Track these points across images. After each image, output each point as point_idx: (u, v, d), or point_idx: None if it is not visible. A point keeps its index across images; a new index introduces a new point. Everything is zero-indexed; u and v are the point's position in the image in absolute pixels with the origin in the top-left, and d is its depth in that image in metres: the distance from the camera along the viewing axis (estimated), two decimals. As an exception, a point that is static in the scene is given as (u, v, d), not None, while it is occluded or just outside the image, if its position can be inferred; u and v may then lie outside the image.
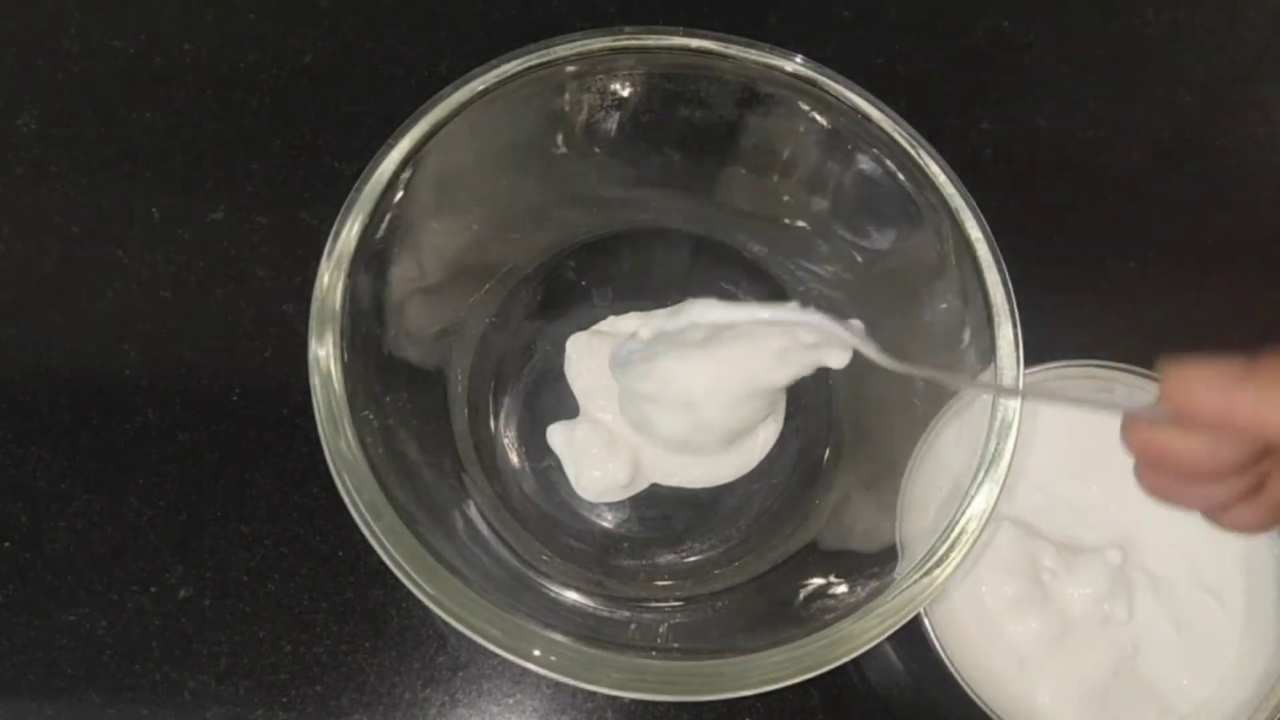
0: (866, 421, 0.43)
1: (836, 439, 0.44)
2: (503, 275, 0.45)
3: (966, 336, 0.36)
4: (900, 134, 0.37)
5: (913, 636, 0.38)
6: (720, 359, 0.35)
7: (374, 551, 0.34)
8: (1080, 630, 0.40)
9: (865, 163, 0.39)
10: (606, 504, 0.43)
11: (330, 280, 0.36)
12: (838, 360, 0.33)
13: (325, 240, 0.37)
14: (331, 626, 0.43)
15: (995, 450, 0.34)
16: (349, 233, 0.37)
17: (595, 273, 0.47)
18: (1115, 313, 0.52)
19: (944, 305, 0.38)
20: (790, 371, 0.35)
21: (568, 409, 0.44)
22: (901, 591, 0.33)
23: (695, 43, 0.39)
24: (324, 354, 0.34)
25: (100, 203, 0.49)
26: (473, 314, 0.45)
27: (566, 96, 0.40)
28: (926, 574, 0.33)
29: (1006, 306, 0.35)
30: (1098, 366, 0.42)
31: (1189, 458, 0.24)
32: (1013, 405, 0.34)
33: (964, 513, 0.34)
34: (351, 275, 0.37)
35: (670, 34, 0.39)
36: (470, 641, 0.32)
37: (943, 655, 0.38)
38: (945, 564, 0.33)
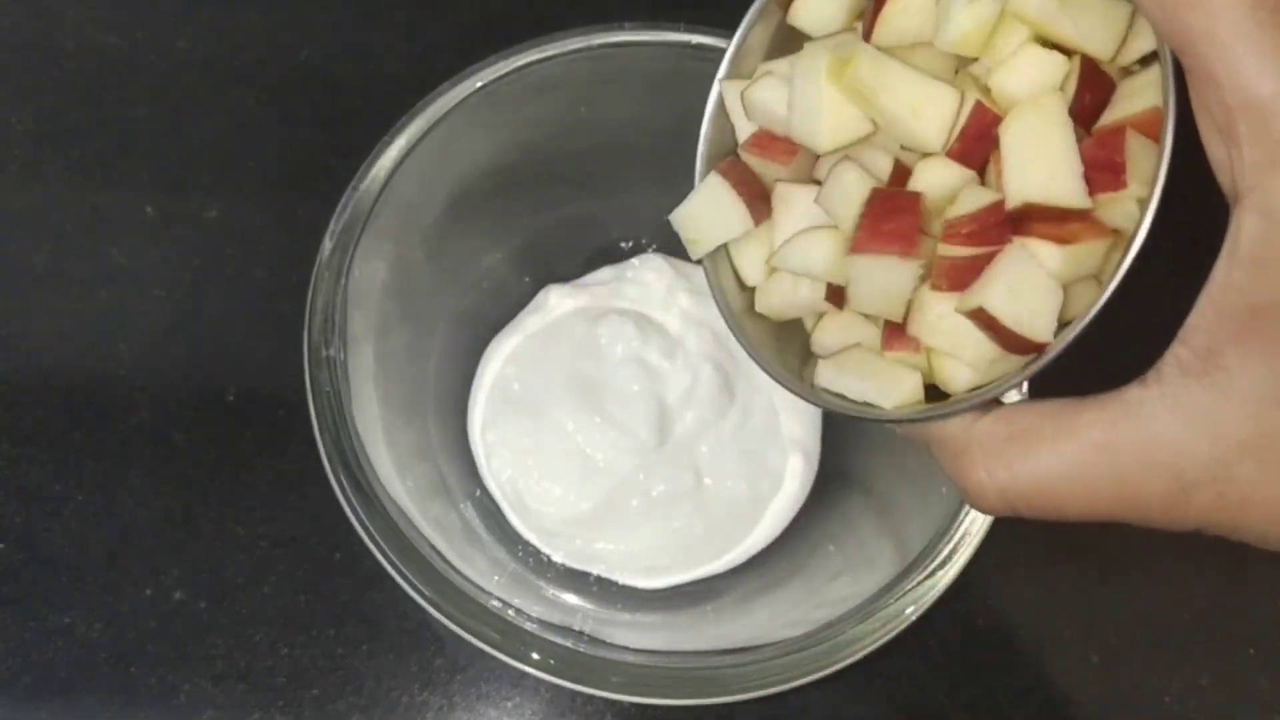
0: (865, 428, 0.43)
1: (841, 453, 0.44)
2: (499, 274, 0.45)
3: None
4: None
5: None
6: None
7: (371, 554, 0.34)
8: None
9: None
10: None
11: (328, 278, 0.36)
12: None
13: (322, 238, 0.37)
14: (328, 629, 0.43)
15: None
16: (347, 230, 0.36)
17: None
18: (1113, 310, 0.51)
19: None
20: None
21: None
22: (904, 594, 0.33)
23: (696, 39, 0.39)
24: (321, 353, 0.34)
25: (94, 200, 0.48)
26: (469, 312, 0.44)
27: (566, 93, 0.40)
28: (929, 576, 0.33)
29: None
30: None
31: None
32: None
33: (967, 515, 0.33)
34: (349, 273, 0.36)
35: (671, 30, 0.39)
36: (468, 644, 0.32)
37: None
38: (948, 566, 0.33)
